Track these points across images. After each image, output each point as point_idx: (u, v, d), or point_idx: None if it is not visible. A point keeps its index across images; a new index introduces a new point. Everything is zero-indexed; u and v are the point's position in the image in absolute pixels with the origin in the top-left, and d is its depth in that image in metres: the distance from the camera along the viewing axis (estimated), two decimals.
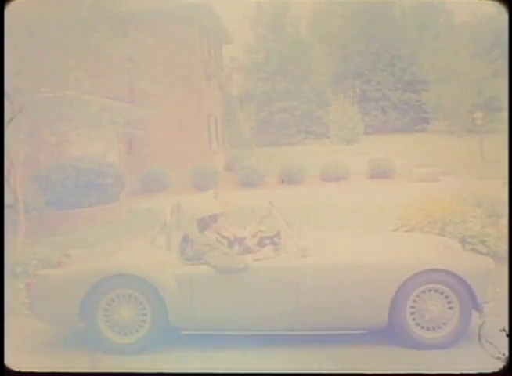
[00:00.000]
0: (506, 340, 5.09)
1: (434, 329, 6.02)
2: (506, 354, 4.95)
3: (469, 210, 9.97)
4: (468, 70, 22.86)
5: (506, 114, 6.78)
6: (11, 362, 5.59)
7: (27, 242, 11.26)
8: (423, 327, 6.01)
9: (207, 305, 6.13)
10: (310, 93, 26.48)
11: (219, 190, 7.30)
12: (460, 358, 5.71)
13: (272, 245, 6.51)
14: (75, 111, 12.47)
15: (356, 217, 12.13)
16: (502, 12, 6.02)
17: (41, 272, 6.64)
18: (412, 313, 6.01)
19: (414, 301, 6.01)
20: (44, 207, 12.93)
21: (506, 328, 5.14)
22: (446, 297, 6.00)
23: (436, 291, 6.00)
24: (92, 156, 14.15)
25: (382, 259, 6.18)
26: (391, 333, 6.10)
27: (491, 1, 6.28)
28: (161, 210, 6.72)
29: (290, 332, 6.18)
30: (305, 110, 26.14)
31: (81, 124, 12.79)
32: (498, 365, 4.94)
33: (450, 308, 6.00)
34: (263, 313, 6.11)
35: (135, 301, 6.21)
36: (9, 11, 6.49)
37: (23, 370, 5.49)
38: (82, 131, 12.94)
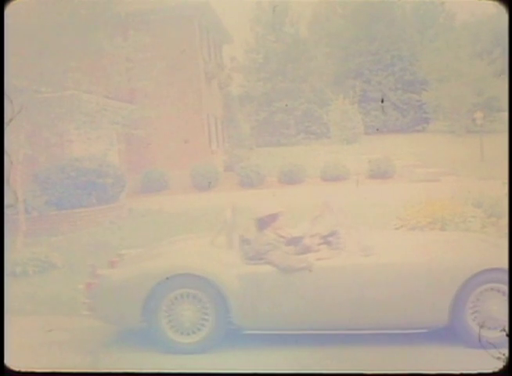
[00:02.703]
0: (506, 340, 5.09)
1: (495, 328, 5.94)
2: (506, 354, 4.95)
3: (469, 210, 9.97)
4: (468, 70, 22.86)
5: (506, 114, 6.78)
6: (11, 362, 5.59)
7: (27, 242, 11.26)
8: (482, 327, 5.99)
9: (270, 304, 6.15)
10: (310, 93, 26.47)
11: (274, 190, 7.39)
12: (460, 358, 5.71)
13: (325, 244, 6.53)
14: (75, 111, 12.47)
15: (356, 217, 12.12)
16: (502, 12, 6.02)
17: (102, 272, 6.60)
18: (473, 313, 6.02)
19: (476, 300, 6.02)
20: (44, 207, 12.93)
21: (506, 328, 5.15)
22: (504, 294, 5.98)
23: (496, 290, 6.00)
24: (92, 156, 14.14)
25: (441, 258, 6.20)
26: (452, 332, 6.10)
27: (491, 1, 6.28)
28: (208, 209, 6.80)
29: (351, 331, 6.18)
30: (305, 110, 26.13)
31: (81, 124, 12.79)
32: (498, 365, 4.94)
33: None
34: (325, 312, 6.12)
35: (197, 300, 6.22)
36: (8, 11, 6.49)
37: (23, 370, 5.49)
38: (82, 131, 12.94)
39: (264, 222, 6.48)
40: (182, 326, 6.22)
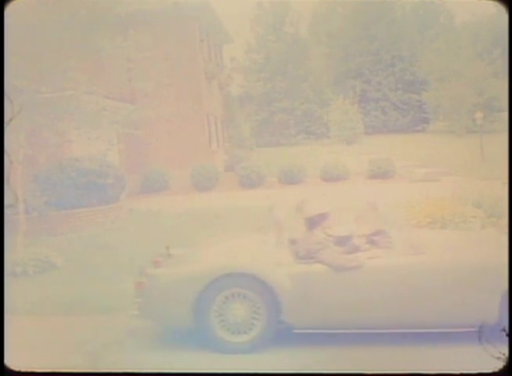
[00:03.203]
0: (506, 340, 5.09)
1: None
2: (506, 354, 4.95)
3: (469, 210, 9.98)
4: (468, 70, 22.87)
5: (506, 114, 6.79)
6: (11, 362, 5.59)
7: (27, 242, 11.26)
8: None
9: (321, 303, 6.14)
10: (310, 93, 26.48)
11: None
12: (460, 358, 5.70)
13: (373, 243, 6.54)
14: (75, 111, 12.46)
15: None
16: (502, 12, 6.01)
17: (152, 272, 6.59)
18: None
19: None
20: (44, 207, 12.92)
21: (506, 328, 5.14)
22: None
23: None
24: (92, 156, 14.14)
25: (489, 257, 6.22)
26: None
27: (491, 1, 6.28)
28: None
29: (402, 330, 6.15)
30: (305, 110, 26.14)
31: (81, 124, 12.78)
32: (498, 365, 4.94)
33: None
34: (375, 311, 6.11)
35: (248, 300, 6.21)
36: (8, 11, 6.48)
37: (23, 370, 5.49)
38: (82, 132, 12.92)
39: (313, 222, 6.49)
40: (233, 325, 6.22)
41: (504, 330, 5.09)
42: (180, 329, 6.59)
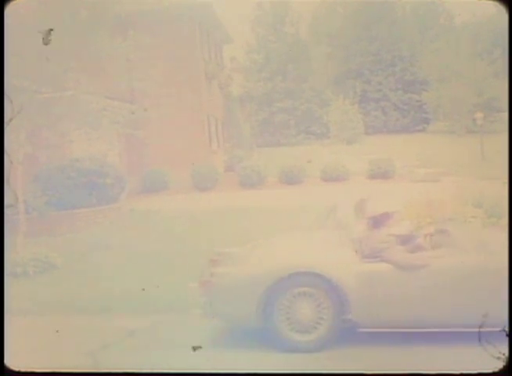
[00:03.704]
0: (506, 340, 5.09)
1: None
2: (506, 354, 4.94)
3: (469, 210, 9.96)
4: (468, 70, 22.85)
5: (506, 115, 6.78)
6: (11, 362, 5.59)
7: (27, 242, 11.26)
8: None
9: (387, 302, 6.17)
10: (310, 93, 26.45)
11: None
12: (460, 358, 5.70)
13: (435, 242, 6.53)
14: (75, 111, 12.47)
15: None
16: (502, 12, 6.01)
17: (218, 271, 6.62)
18: None
19: None
20: (44, 208, 12.92)
21: (506, 328, 5.14)
22: None
23: None
24: (93, 156, 14.15)
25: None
26: None
27: (491, 1, 6.28)
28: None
29: (468, 329, 6.12)
30: (305, 111, 26.12)
31: (81, 124, 12.80)
32: (498, 365, 4.94)
33: None
34: (441, 310, 6.11)
35: (314, 298, 6.24)
36: (8, 11, 6.49)
37: (23, 370, 5.49)
38: (82, 132, 12.95)
39: (378, 221, 6.54)
40: (299, 324, 6.25)
41: (504, 330, 5.09)
42: (246, 328, 6.61)
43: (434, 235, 6.75)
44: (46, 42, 7.55)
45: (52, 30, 7.27)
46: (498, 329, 5.37)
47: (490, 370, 4.95)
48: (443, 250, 6.34)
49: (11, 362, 5.58)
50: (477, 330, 5.51)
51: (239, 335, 6.73)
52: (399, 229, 6.74)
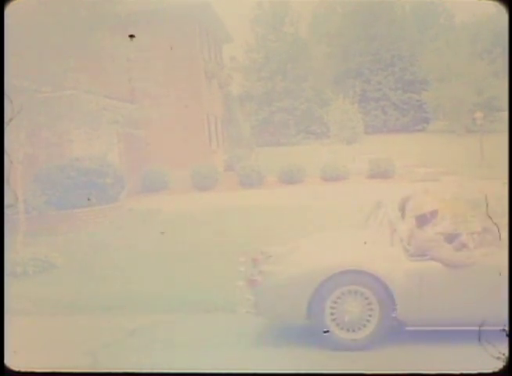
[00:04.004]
0: (506, 340, 5.09)
1: None
2: (506, 354, 4.94)
3: (469, 210, 9.95)
4: (468, 70, 22.85)
5: (506, 114, 6.78)
6: (11, 362, 5.59)
7: (27, 242, 11.26)
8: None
9: (435, 300, 6.18)
10: (310, 93, 26.45)
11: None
12: (460, 358, 5.70)
13: (480, 241, 6.55)
14: (75, 111, 12.48)
15: (356, 217, 12.10)
16: (502, 12, 6.01)
17: (266, 269, 6.63)
18: None
19: None
20: (44, 207, 12.92)
21: (506, 328, 5.14)
22: None
23: None
24: (92, 156, 14.14)
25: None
26: None
27: (491, 1, 6.27)
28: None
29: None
30: (305, 110, 26.12)
31: (81, 124, 12.80)
32: (498, 365, 4.94)
33: None
34: (490, 308, 6.05)
35: (362, 297, 6.26)
36: (8, 11, 6.49)
37: (23, 370, 5.49)
38: (82, 131, 12.94)
39: (425, 219, 6.53)
40: (347, 322, 6.28)
41: (504, 330, 5.09)
42: (292, 326, 6.62)
43: (481, 233, 6.76)
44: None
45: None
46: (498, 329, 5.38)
47: (490, 370, 4.95)
48: (490, 248, 6.35)
49: (11, 362, 5.57)
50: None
51: (285, 333, 6.75)
52: (445, 227, 6.77)
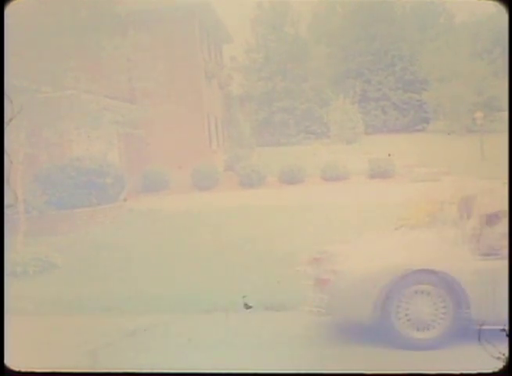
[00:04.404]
0: (506, 340, 5.08)
1: None
2: (506, 354, 4.94)
3: None
4: (468, 69, 22.84)
5: (506, 114, 6.78)
6: (11, 362, 5.59)
7: (27, 241, 11.26)
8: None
9: (506, 298, 6.13)
10: (310, 93, 26.44)
11: None
12: (460, 358, 5.70)
13: None
14: (75, 111, 12.48)
15: (356, 217, 12.11)
16: (502, 12, 6.00)
17: (337, 268, 6.65)
18: None
19: None
20: (44, 207, 12.92)
21: (506, 328, 5.14)
22: None
23: None
24: (92, 155, 14.14)
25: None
26: None
27: (491, 1, 6.27)
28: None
29: None
30: (305, 110, 26.10)
31: (81, 123, 12.80)
32: (498, 365, 4.93)
33: None
34: None
35: (433, 296, 6.26)
36: (8, 11, 6.48)
37: (23, 370, 5.48)
38: (82, 131, 12.94)
39: (495, 218, 6.55)
40: (417, 321, 6.26)
41: (504, 330, 5.09)
42: (361, 325, 6.61)
43: None
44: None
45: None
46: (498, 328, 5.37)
47: (490, 370, 4.95)
48: None
49: (11, 362, 5.57)
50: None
51: (353, 332, 6.74)
52: None
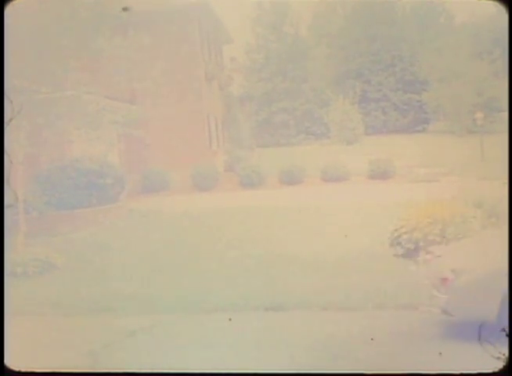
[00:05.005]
0: (506, 340, 5.08)
1: None
2: (506, 354, 4.94)
3: (469, 210, 9.96)
4: (468, 70, 22.84)
5: (506, 115, 6.78)
6: (11, 362, 5.59)
7: (27, 242, 11.26)
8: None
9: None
10: (310, 94, 26.45)
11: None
12: (460, 358, 5.69)
13: None
14: (75, 111, 12.48)
15: (356, 217, 12.12)
16: (502, 12, 6.01)
17: (458, 268, 6.64)
18: None
19: None
20: (44, 208, 12.92)
21: (506, 328, 5.14)
22: None
23: None
24: (92, 156, 14.14)
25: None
26: None
27: (491, 1, 6.27)
28: None
29: None
30: (305, 111, 26.11)
31: (81, 124, 12.80)
32: (498, 365, 4.93)
33: None
34: None
35: None
36: (8, 11, 6.48)
37: (23, 370, 5.48)
38: (82, 132, 12.94)
39: None
40: None
41: (504, 330, 5.09)
42: (486, 323, 6.57)
43: None
44: None
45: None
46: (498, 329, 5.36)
47: (490, 370, 4.95)
48: None
49: (11, 362, 5.57)
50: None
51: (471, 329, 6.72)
52: None
